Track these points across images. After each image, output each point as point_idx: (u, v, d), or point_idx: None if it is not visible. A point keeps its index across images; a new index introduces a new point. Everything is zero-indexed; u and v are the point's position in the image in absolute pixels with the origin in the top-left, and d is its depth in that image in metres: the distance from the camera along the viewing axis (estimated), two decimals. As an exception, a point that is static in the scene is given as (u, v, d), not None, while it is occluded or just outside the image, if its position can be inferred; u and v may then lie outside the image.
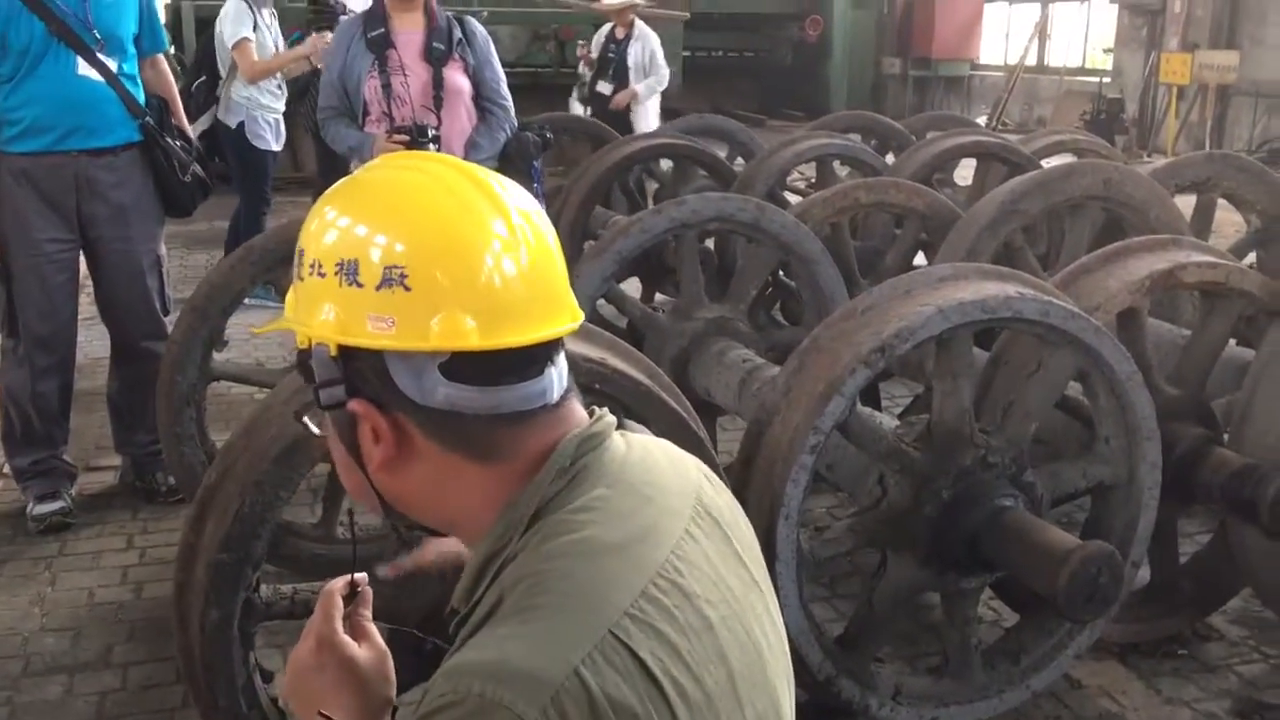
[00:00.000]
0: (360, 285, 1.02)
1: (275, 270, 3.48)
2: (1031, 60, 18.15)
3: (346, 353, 1.03)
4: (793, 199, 6.07)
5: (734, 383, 3.53)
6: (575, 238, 5.50)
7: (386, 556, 2.32)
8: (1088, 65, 17.91)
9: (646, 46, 8.21)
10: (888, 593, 2.84)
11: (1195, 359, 3.29)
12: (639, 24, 8.19)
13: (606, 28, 8.66)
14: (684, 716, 0.93)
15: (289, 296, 1.11)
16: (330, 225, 1.06)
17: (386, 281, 1.01)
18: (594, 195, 5.76)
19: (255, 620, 2.23)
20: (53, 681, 3.10)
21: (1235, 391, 3.27)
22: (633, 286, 5.50)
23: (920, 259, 4.93)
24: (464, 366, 1.01)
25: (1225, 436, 3.22)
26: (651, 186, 6.88)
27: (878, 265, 4.68)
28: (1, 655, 3.21)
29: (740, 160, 6.89)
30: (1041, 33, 18.38)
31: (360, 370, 1.04)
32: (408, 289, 1.01)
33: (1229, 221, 5.48)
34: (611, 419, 1.11)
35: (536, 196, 4.93)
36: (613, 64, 8.38)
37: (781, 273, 4.46)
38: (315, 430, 1.15)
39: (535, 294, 1.05)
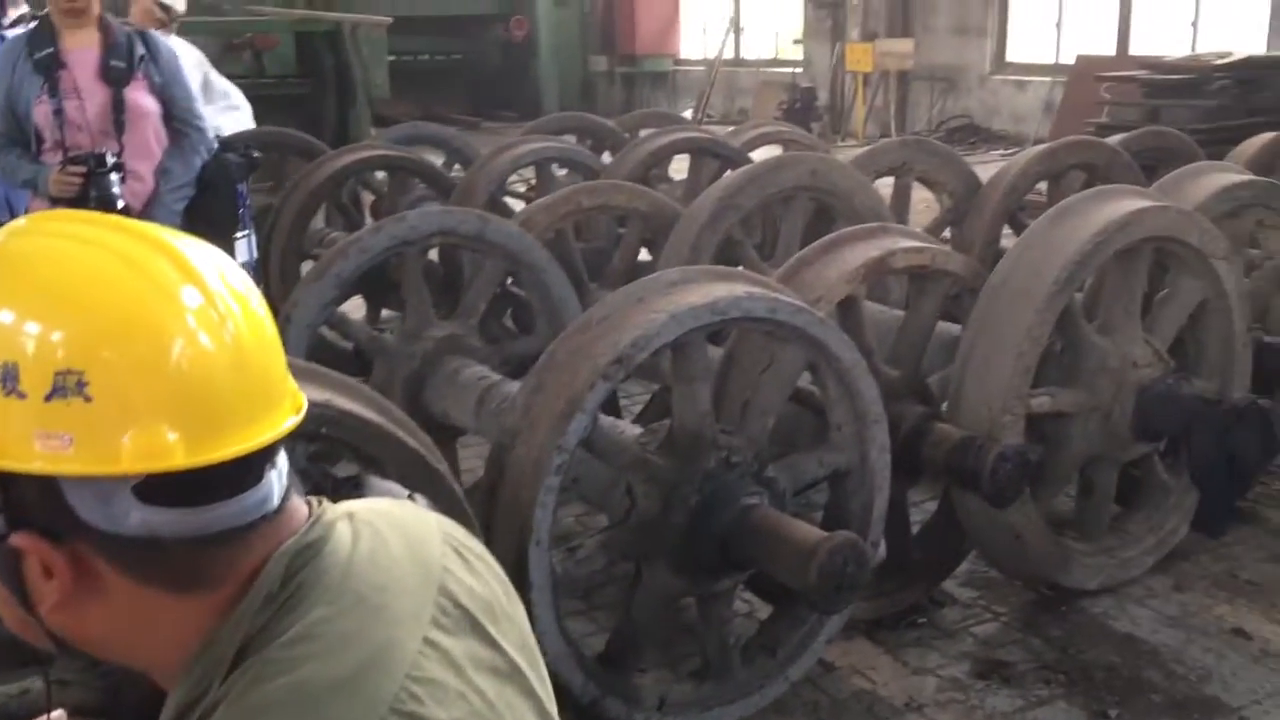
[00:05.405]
0: (23, 395, 0.81)
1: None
2: (729, 54, 18.81)
3: (4, 476, 0.83)
4: (514, 204, 6.00)
5: (471, 402, 3.42)
6: (289, 259, 5.25)
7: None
8: (780, 56, 18.75)
9: None
10: (645, 604, 2.82)
11: (910, 339, 3.44)
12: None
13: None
14: None
15: None
16: None
17: (59, 390, 0.81)
18: (306, 212, 5.49)
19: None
20: None
21: (948, 367, 3.45)
22: (355, 304, 5.28)
23: (645, 255, 4.97)
24: (165, 486, 0.83)
25: (944, 409, 3.40)
26: (368, 199, 6.62)
27: (604, 267, 4.68)
28: None
29: (458, 167, 6.75)
30: (735, 26, 19.09)
31: (23, 496, 0.83)
32: (88, 399, 0.81)
33: (919, 199, 5.84)
34: (333, 515, 0.95)
35: (243, 223, 4.57)
36: None
37: (510, 281, 4.38)
38: None
39: (250, 387, 0.87)
